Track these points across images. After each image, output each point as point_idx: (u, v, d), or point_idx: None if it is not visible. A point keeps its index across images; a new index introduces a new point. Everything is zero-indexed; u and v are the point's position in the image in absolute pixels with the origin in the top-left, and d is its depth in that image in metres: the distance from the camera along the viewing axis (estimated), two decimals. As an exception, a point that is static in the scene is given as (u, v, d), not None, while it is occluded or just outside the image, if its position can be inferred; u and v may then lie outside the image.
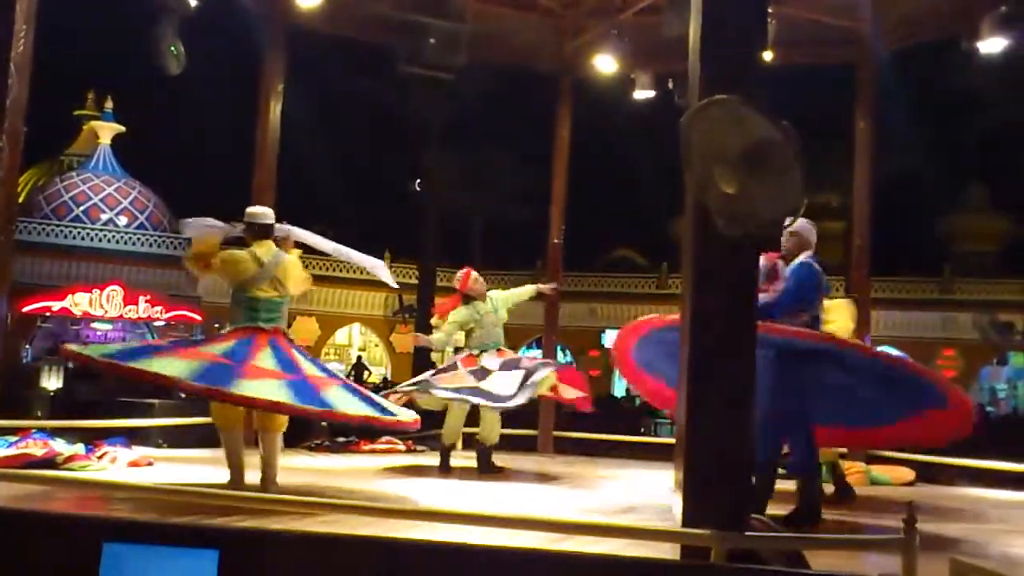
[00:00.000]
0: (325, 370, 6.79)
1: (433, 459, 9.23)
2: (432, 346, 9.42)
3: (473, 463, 8.88)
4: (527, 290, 9.63)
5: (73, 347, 6.88)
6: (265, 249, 6.67)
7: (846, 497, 7.54)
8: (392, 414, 6.50)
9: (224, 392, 5.83)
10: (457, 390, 8.32)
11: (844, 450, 9.09)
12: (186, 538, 2.51)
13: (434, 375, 8.83)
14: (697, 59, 4.00)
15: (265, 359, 6.20)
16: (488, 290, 9.18)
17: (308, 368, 6.39)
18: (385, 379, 25.21)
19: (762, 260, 5.89)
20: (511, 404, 8.23)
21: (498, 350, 8.85)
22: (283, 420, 6.55)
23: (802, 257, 6.24)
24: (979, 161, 30.57)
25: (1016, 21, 9.18)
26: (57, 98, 25.89)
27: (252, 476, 6.45)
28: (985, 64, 10.45)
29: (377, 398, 6.90)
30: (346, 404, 6.18)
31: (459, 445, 9.39)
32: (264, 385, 5.87)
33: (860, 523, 6.52)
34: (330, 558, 2.52)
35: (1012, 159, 19.92)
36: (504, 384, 8.29)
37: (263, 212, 6.92)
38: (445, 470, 8.73)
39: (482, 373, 8.48)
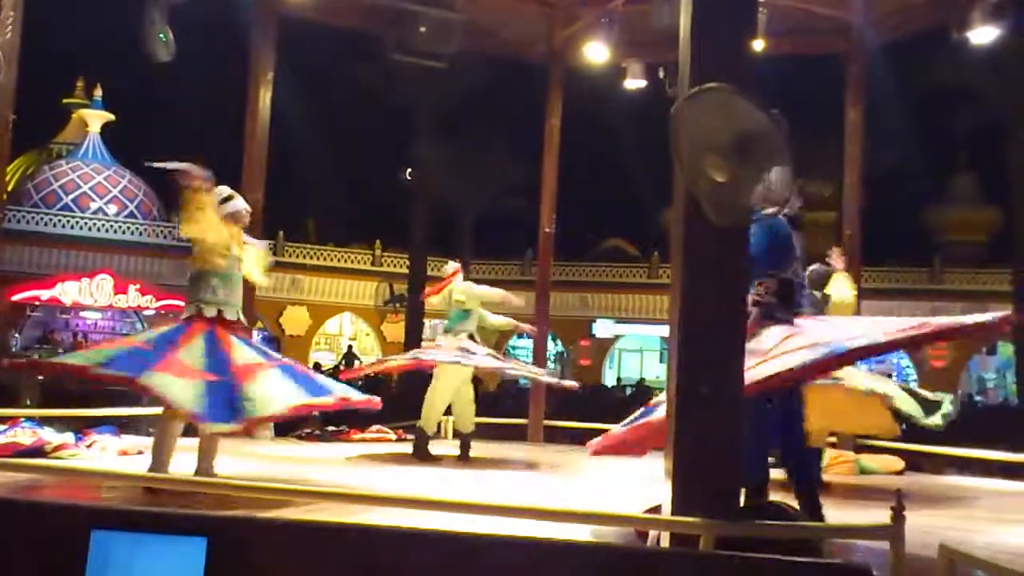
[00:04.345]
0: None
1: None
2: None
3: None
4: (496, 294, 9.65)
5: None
6: None
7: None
8: (328, 393, 6.22)
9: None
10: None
11: (833, 439, 9.14)
12: (174, 526, 2.51)
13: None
14: (687, 48, 4.00)
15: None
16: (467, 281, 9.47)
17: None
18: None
19: None
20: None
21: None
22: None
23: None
24: (968, 152, 30.66)
25: (1007, 11, 9.17)
26: (46, 86, 25.73)
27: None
28: (975, 54, 10.46)
29: (321, 378, 6.59)
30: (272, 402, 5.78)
31: (445, 433, 9.60)
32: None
33: (849, 512, 6.54)
34: (318, 545, 2.52)
35: (1001, 150, 19.96)
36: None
37: None
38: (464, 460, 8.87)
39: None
